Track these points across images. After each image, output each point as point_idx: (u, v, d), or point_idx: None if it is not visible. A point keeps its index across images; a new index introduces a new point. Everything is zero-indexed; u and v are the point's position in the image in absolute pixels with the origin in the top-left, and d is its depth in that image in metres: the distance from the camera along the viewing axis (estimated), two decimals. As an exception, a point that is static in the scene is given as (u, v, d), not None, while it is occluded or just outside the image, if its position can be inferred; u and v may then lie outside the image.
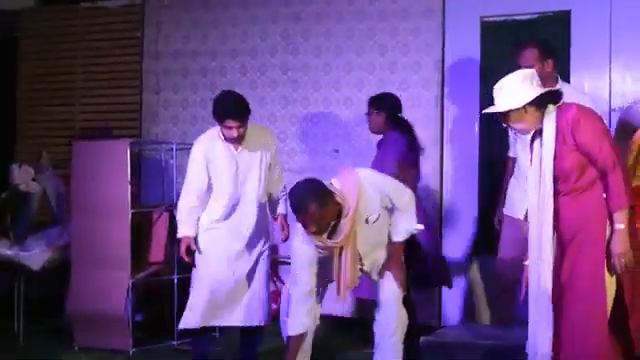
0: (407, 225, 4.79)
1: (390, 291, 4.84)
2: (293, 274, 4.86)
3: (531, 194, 4.22)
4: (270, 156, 5.32)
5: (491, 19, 6.74)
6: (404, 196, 4.74)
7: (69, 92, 8.49)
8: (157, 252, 6.68)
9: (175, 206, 6.23)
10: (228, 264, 5.25)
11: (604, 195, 4.00)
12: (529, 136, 4.25)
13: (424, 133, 6.28)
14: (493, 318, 6.05)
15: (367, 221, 4.66)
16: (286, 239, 5.45)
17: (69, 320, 6.44)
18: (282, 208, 5.53)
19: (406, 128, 5.64)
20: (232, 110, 5.19)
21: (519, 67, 4.84)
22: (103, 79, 8.34)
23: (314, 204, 4.47)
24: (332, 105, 7.27)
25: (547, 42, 5.27)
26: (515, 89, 4.11)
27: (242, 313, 5.32)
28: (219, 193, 5.28)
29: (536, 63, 4.96)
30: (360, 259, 4.72)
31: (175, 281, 6.40)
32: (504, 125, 4.19)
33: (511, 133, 5.17)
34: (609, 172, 3.95)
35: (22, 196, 7.20)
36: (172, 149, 6.87)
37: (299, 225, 4.69)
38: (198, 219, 5.27)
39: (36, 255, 6.71)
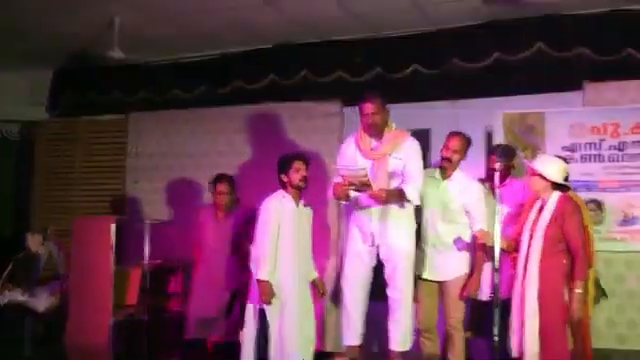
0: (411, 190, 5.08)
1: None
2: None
3: (522, 244, 4.73)
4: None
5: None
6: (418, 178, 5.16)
7: (71, 181, 8.71)
8: (132, 297, 6.75)
9: (147, 265, 6.62)
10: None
11: (564, 262, 4.64)
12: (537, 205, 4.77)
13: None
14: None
15: (391, 155, 5.13)
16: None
17: (66, 349, 6.57)
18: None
19: None
20: (298, 154, 5.42)
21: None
22: (96, 172, 8.58)
23: (381, 99, 5.10)
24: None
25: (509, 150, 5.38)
26: (555, 168, 4.73)
27: None
28: None
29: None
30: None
31: (145, 319, 6.54)
32: (530, 174, 4.74)
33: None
34: (577, 254, 4.61)
35: (33, 256, 7.43)
36: (146, 224, 6.91)
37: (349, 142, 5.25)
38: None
39: (41, 300, 6.93)
